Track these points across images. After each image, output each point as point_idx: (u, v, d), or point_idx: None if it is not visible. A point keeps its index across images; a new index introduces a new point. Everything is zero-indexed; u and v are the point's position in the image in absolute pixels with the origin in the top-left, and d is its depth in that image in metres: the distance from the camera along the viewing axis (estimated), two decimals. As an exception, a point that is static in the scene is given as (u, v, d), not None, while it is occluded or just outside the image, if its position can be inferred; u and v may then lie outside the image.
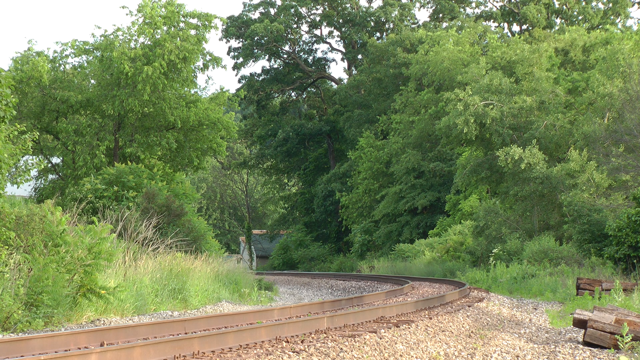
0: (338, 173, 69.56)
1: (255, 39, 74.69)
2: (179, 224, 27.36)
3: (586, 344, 12.33)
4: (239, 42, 76.74)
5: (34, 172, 38.92)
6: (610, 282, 20.01)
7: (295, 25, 78.03)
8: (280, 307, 16.44)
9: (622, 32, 52.32)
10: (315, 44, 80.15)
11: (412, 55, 60.56)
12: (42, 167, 38.50)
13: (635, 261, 24.66)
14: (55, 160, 40.29)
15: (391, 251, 51.83)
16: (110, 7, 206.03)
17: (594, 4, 68.34)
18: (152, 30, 37.10)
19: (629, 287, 19.64)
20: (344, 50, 79.77)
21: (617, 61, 36.03)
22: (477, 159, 40.57)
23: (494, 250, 34.90)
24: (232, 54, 77.04)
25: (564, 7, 67.89)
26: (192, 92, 40.11)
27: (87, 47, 38.11)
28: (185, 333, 12.54)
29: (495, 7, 72.28)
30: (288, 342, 10.96)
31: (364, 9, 77.27)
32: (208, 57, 39.39)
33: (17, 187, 19.83)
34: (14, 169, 21.11)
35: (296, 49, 79.39)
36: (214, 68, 41.98)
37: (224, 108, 41.49)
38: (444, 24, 74.24)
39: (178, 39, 37.41)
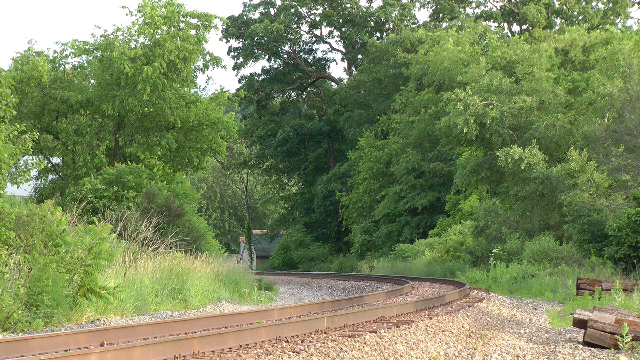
0: (338, 173, 69.55)
1: (255, 39, 74.69)
2: (179, 224, 27.36)
3: (586, 344, 12.33)
4: (239, 42, 76.77)
5: (34, 172, 38.93)
6: (610, 282, 20.01)
7: (295, 25, 78.04)
8: (280, 307, 16.44)
9: (622, 32, 52.33)
10: (315, 44, 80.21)
11: (412, 55, 60.58)
12: (42, 167, 38.48)
13: (635, 261, 24.65)
14: (55, 160, 40.29)
15: (391, 251, 51.81)
16: (110, 7, 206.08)
17: (594, 4, 68.35)
18: (152, 30, 37.10)
19: (629, 287, 19.64)
20: (344, 50, 79.79)
21: (617, 61, 36.02)
22: (477, 159, 40.56)
23: (494, 250, 34.89)
24: (232, 54, 77.05)
25: (564, 7, 67.90)
26: (192, 92, 40.12)
27: (87, 47, 38.11)
28: (185, 333, 12.54)
29: (495, 7, 72.29)
30: (288, 342, 10.96)
31: (364, 9, 77.28)
32: (208, 57, 39.40)
33: (17, 187, 19.82)
34: (14, 169, 21.09)
35: (296, 49, 79.39)
36: (214, 68, 42.02)
37: (224, 108, 41.49)
38: (444, 24, 74.25)
39: (178, 39, 37.41)
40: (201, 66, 39.24)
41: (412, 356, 10.93)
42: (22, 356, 9.83)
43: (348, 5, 77.46)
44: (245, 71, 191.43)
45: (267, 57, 77.87)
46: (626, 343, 11.79)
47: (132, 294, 17.36)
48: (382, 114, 65.87)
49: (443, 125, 40.12)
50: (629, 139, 32.30)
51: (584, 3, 68.12)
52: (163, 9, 37.49)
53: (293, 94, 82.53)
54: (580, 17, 67.90)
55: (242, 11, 77.95)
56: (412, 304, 17.15)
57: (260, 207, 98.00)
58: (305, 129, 75.12)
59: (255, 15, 77.32)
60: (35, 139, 20.18)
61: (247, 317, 14.50)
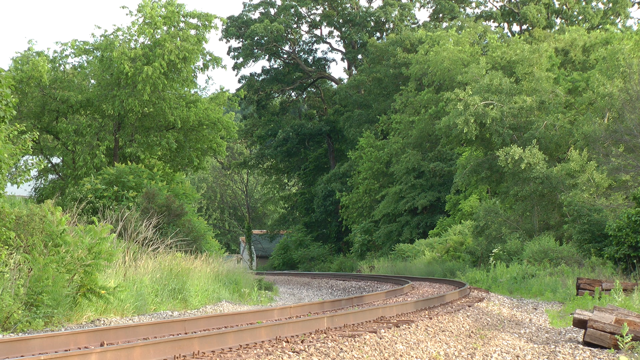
0: (338, 173, 69.56)
1: (255, 39, 74.70)
2: (179, 224, 27.36)
3: (586, 344, 12.33)
4: (239, 42, 76.79)
5: (34, 172, 38.94)
6: (610, 282, 20.00)
7: (295, 25, 78.05)
8: (280, 307, 16.43)
9: (622, 32, 52.32)
10: (315, 44, 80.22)
11: (412, 55, 60.59)
12: (42, 167, 38.49)
13: (635, 261, 24.65)
14: (55, 160, 40.30)
15: (391, 251, 51.81)
16: (110, 7, 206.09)
17: (594, 4, 68.35)
18: (152, 30, 37.11)
19: (629, 287, 19.64)
20: (344, 50, 79.80)
21: (617, 61, 36.02)
22: (477, 159, 40.56)
23: (494, 250, 34.89)
24: (232, 54, 77.07)
25: (564, 7, 67.90)
26: (192, 92, 40.13)
27: (87, 47, 38.13)
28: (185, 333, 12.53)
29: (495, 7, 72.29)
30: (288, 342, 10.96)
31: (364, 9, 77.28)
32: (208, 57, 39.42)
33: (17, 187, 19.82)
34: (14, 169, 21.11)
35: (296, 49, 79.39)
36: (214, 68, 42.04)
37: (224, 108, 41.50)
38: (444, 24, 74.27)
39: (178, 39, 37.42)
40: (201, 66, 39.28)
41: (412, 356, 10.93)
42: (22, 356, 9.82)
43: (348, 5, 77.46)
44: (245, 71, 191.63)
45: (267, 57, 77.92)
46: (626, 343, 11.79)
47: (132, 294, 17.36)
48: (382, 114, 65.88)
49: (443, 125, 40.12)
50: (629, 139, 32.30)
51: (584, 3, 68.11)
52: (163, 9, 37.50)
53: (293, 94, 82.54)
54: (580, 17, 67.90)
55: (242, 11, 78.00)
56: (412, 304, 17.14)
57: (260, 207, 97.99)
58: (305, 129, 75.12)
59: (255, 15, 77.40)
60: (35, 139, 20.18)
61: (247, 317, 14.50)
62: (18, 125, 18.48)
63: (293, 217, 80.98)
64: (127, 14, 41.14)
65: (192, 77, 38.65)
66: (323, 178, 71.54)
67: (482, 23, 68.05)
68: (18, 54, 37.23)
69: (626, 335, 11.85)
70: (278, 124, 76.96)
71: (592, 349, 11.90)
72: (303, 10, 77.31)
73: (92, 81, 39.13)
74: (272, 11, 77.30)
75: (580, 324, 12.80)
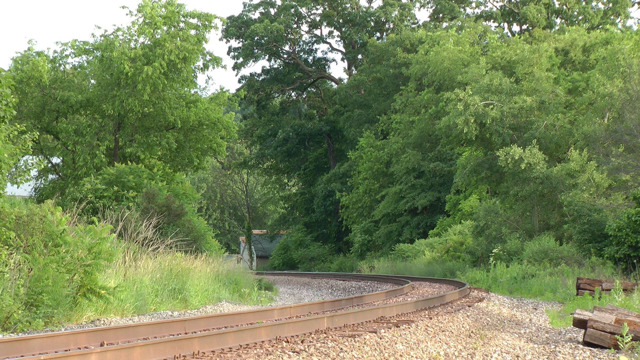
0: (338, 173, 69.55)
1: (255, 39, 74.70)
2: (179, 224, 27.36)
3: (586, 344, 12.33)
4: (239, 42, 76.79)
5: (34, 172, 38.93)
6: (610, 282, 20.00)
7: (295, 25, 78.04)
8: (280, 307, 16.43)
9: (622, 32, 52.33)
10: (315, 44, 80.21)
11: (412, 55, 60.60)
12: (42, 167, 38.46)
13: (635, 261, 24.66)
14: (55, 160, 40.30)
15: (391, 251, 51.81)
16: (110, 7, 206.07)
17: (594, 4, 68.35)
18: (152, 30, 37.12)
19: (629, 287, 19.64)
20: (344, 50, 79.80)
21: (617, 61, 36.03)
22: (477, 159, 40.57)
23: (494, 250, 34.89)
24: (232, 54, 77.06)
25: (564, 7, 67.90)
26: (192, 92, 40.13)
27: (87, 47, 38.14)
28: (185, 333, 12.53)
29: (495, 7, 72.30)
30: (288, 342, 10.96)
31: (364, 9, 77.29)
32: (208, 57, 39.42)
33: (17, 187, 19.83)
34: (14, 169, 21.12)
35: (296, 49, 79.39)
36: (214, 68, 42.03)
37: (224, 108, 41.50)
38: (444, 24, 74.27)
39: (178, 39, 37.43)
40: (201, 66, 39.28)
41: (412, 356, 10.92)
42: (22, 356, 9.83)
43: (348, 5, 77.47)
44: (245, 71, 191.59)
45: (267, 57, 77.91)
46: (626, 343, 11.79)
47: (132, 294, 17.35)
48: (382, 114, 65.89)
49: (443, 125, 40.12)
50: (629, 139, 32.30)
51: (584, 3, 68.12)
52: (163, 9, 37.50)
53: (293, 94, 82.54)
54: (580, 17, 67.90)
55: (242, 11, 77.99)
56: (412, 304, 17.14)
57: (260, 207, 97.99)
58: (305, 129, 75.12)
59: (255, 15, 77.39)
60: (35, 139, 20.18)
61: (247, 317, 14.50)
62: (18, 125, 18.48)
63: (293, 217, 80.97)
64: (127, 14, 41.22)
65: (192, 77, 38.66)
66: (323, 178, 71.54)
67: (482, 23, 68.05)
68: (18, 54, 37.28)
69: (626, 335, 11.85)
70: (278, 124, 76.96)
71: (592, 349, 11.90)
72: (303, 10, 77.31)
73: (92, 81, 39.14)
74: (272, 11, 77.30)
75: (580, 324, 12.80)
